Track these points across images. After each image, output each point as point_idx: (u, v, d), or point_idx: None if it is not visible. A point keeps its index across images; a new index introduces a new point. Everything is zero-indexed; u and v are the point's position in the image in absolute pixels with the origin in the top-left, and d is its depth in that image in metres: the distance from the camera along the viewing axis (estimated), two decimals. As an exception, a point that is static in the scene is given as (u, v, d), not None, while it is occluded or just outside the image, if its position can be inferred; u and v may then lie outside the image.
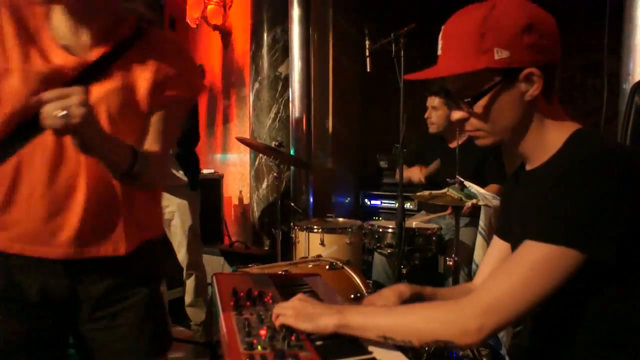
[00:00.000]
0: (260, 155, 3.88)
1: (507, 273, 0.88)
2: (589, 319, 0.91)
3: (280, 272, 1.75)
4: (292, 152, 3.87)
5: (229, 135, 4.79)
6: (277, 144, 2.85)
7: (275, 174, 2.88)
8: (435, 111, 2.86)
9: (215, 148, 5.00)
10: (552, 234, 0.84)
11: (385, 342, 0.91)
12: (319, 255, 2.30)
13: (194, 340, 2.80)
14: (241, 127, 4.62)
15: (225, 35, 4.71)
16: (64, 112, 0.90)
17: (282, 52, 3.92)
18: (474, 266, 2.20)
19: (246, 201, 4.50)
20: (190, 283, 2.76)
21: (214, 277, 1.28)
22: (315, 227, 2.71)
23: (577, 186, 0.83)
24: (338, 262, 2.00)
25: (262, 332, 0.91)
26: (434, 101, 2.88)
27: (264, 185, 3.98)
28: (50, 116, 0.89)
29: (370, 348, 0.91)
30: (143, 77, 1.13)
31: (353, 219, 3.03)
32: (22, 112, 1.02)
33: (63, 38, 1.09)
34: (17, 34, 1.06)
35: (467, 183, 2.21)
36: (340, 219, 3.03)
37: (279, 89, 3.94)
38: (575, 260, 0.83)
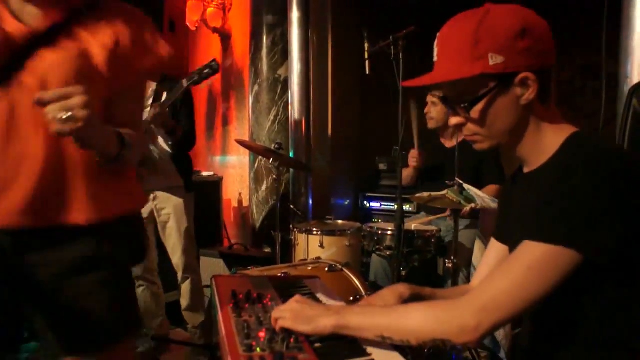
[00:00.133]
0: (260, 157, 3.88)
1: (505, 272, 0.89)
2: (588, 319, 0.92)
3: (279, 275, 1.75)
4: (291, 155, 3.87)
5: (228, 138, 4.80)
6: (276, 146, 2.85)
7: (274, 177, 2.88)
8: (435, 106, 2.86)
9: (214, 150, 5.01)
10: (550, 234, 0.85)
11: (384, 343, 0.91)
12: (318, 258, 2.30)
13: (193, 342, 2.80)
14: (241, 129, 4.63)
15: (225, 37, 4.72)
16: (68, 115, 0.90)
17: (281, 54, 3.93)
18: (472, 269, 2.20)
19: (245, 203, 4.50)
20: (186, 287, 2.74)
21: (213, 280, 1.28)
22: (314, 229, 2.72)
23: (574, 187, 0.84)
24: (337, 265, 2.00)
25: (261, 334, 0.92)
26: (433, 96, 2.88)
27: (264, 187, 3.98)
28: (54, 120, 0.89)
29: (369, 350, 0.92)
30: (98, 46, 1.11)
31: (352, 221, 3.04)
32: None
33: (15, 6, 1.08)
34: None
35: (466, 186, 2.22)
36: (340, 221, 3.03)
37: (279, 91, 3.95)
38: (573, 260, 0.84)
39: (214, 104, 4.96)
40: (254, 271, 1.93)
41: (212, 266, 3.36)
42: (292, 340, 0.89)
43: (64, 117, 0.89)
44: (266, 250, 3.66)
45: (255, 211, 4.05)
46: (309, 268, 2.01)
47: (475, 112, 0.95)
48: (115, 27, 1.14)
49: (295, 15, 3.84)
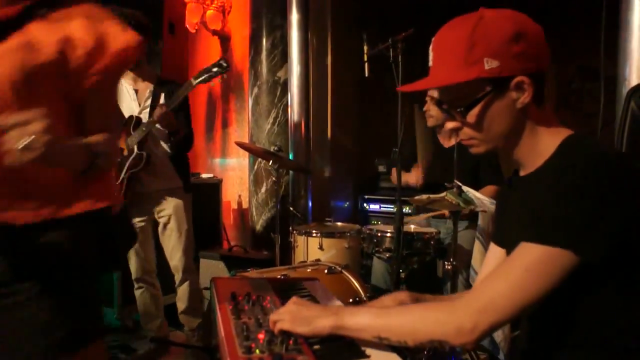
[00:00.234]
0: (259, 159, 3.89)
1: (502, 274, 0.89)
2: (585, 321, 0.92)
3: (278, 277, 1.75)
4: (290, 157, 3.88)
5: (228, 140, 4.80)
6: (276, 148, 2.85)
7: (274, 179, 2.89)
8: (434, 104, 2.86)
9: (214, 152, 5.01)
10: (547, 236, 0.85)
11: (381, 343, 0.92)
12: (318, 260, 2.30)
13: (192, 344, 2.80)
14: (240, 131, 4.63)
15: (224, 40, 4.72)
16: (26, 142, 0.84)
17: (281, 57, 3.94)
18: (471, 271, 2.20)
19: (245, 205, 4.50)
20: (184, 289, 2.73)
21: (212, 281, 1.28)
22: (314, 231, 2.72)
23: (571, 189, 0.85)
24: (337, 267, 2.00)
25: (260, 335, 0.92)
26: (433, 93, 2.88)
27: (263, 189, 3.98)
28: (12, 150, 0.83)
29: (368, 351, 0.92)
30: (51, 43, 1.06)
31: (352, 223, 3.04)
32: None
33: None
34: None
35: (464, 188, 2.22)
36: (339, 223, 3.03)
37: (278, 93, 3.95)
38: (569, 262, 0.84)
39: (213, 106, 4.96)
40: (253, 273, 1.93)
41: (211, 268, 3.37)
42: (291, 342, 0.90)
43: (21, 146, 0.83)
44: (265, 252, 3.65)
45: (254, 213, 4.05)
46: (309, 270, 2.01)
47: (471, 116, 0.96)
48: (72, 25, 1.09)
49: (294, 17, 3.86)
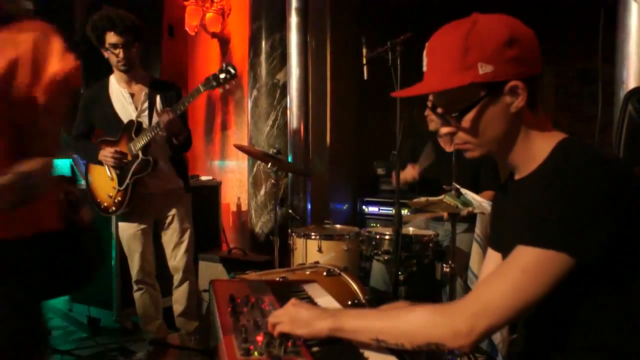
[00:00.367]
0: (258, 162, 3.89)
1: (499, 277, 0.90)
2: (581, 324, 0.93)
3: (277, 279, 1.75)
4: (289, 159, 3.88)
5: (227, 142, 4.81)
6: (275, 151, 2.86)
7: (273, 181, 2.89)
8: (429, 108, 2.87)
9: (213, 155, 5.01)
10: (542, 239, 0.86)
11: (380, 346, 0.92)
12: (317, 262, 2.31)
13: (190, 346, 2.79)
14: (239, 134, 4.64)
15: (224, 42, 4.73)
16: None
17: (280, 59, 3.94)
18: (469, 274, 2.20)
19: (244, 208, 4.50)
20: (182, 290, 2.73)
21: (211, 284, 1.29)
22: (312, 233, 2.72)
23: (565, 192, 0.85)
24: (335, 269, 2.00)
25: (259, 338, 0.92)
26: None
27: (262, 192, 3.99)
28: None
29: (367, 354, 0.92)
30: None
31: (350, 226, 3.04)
32: None
33: None
34: None
35: (463, 190, 2.23)
36: (338, 226, 3.03)
37: (277, 96, 3.96)
38: (565, 265, 0.85)
39: (212, 108, 4.97)
40: (252, 275, 1.93)
41: (210, 270, 3.37)
42: (289, 344, 0.90)
43: None
44: (264, 255, 3.66)
45: (253, 215, 4.05)
46: (307, 272, 2.01)
47: (466, 121, 0.97)
48: (18, 45, 1.09)
49: (293, 20, 3.87)
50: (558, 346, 0.96)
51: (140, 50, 2.59)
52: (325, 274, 1.96)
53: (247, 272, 2.03)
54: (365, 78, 2.48)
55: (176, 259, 2.70)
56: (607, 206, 0.84)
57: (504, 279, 0.88)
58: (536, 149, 0.97)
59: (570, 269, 0.85)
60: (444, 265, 2.40)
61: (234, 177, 4.71)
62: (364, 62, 2.45)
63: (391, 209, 4.00)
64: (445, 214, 2.65)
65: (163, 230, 2.70)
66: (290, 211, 3.62)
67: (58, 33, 1.18)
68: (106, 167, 2.55)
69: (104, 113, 2.59)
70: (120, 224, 2.67)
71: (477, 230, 2.21)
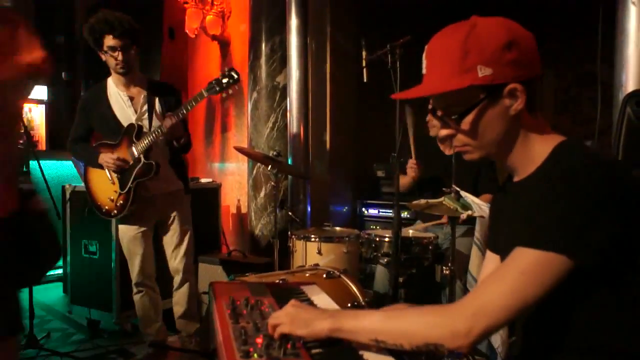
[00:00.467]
0: (258, 164, 3.89)
1: (497, 278, 0.90)
2: (579, 326, 0.93)
3: (277, 281, 1.75)
4: (289, 162, 3.89)
5: (227, 145, 4.81)
6: (274, 153, 2.86)
7: (273, 183, 2.89)
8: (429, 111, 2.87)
9: (213, 157, 5.02)
10: (541, 241, 0.86)
11: (379, 347, 0.92)
12: (317, 264, 2.31)
13: (190, 348, 2.79)
14: (239, 136, 4.64)
15: (224, 45, 4.74)
16: None
17: (280, 62, 3.95)
18: (469, 276, 2.20)
19: (244, 210, 4.51)
20: (183, 292, 2.72)
21: (211, 286, 1.29)
22: (312, 236, 2.72)
23: (564, 194, 0.86)
24: (335, 271, 2.00)
25: (259, 340, 0.93)
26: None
27: (262, 194, 3.99)
28: None
29: (366, 355, 0.93)
30: None
31: (350, 228, 3.04)
32: None
33: None
34: None
35: (463, 193, 2.23)
36: (338, 228, 3.04)
37: (277, 98, 3.97)
38: (564, 267, 0.85)
39: (212, 110, 4.98)
40: (252, 277, 1.93)
41: (210, 272, 3.37)
42: (289, 346, 0.90)
43: None
44: (264, 257, 3.66)
45: (253, 218, 4.06)
46: (307, 275, 2.01)
47: (465, 123, 0.97)
48: None
49: (293, 22, 3.87)
50: (557, 348, 0.96)
51: (138, 53, 2.59)
52: (325, 276, 1.96)
53: (247, 274, 2.02)
54: (365, 80, 2.48)
55: (176, 260, 2.70)
56: (606, 208, 0.84)
57: (503, 280, 0.88)
58: (535, 151, 0.98)
59: (569, 271, 0.85)
60: (444, 267, 2.40)
61: (233, 179, 4.71)
62: (364, 64, 2.45)
63: (391, 211, 4.00)
64: (444, 218, 2.65)
65: (163, 232, 2.70)
66: (290, 213, 3.62)
67: (28, 24, 1.17)
68: (107, 170, 2.55)
69: (102, 116, 2.59)
70: (120, 226, 2.67)
71: (477, 233, 2.21)
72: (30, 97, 2.98)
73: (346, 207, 4.59)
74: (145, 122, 2.56)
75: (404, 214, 3.64)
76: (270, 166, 2.79)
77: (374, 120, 4.69)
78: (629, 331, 0.91)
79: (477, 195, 2.40)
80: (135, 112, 2.58)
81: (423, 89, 1.00)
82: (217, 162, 4.97)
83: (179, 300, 2.75)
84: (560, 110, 4.65)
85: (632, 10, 2.19)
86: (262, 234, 3.99)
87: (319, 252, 2.65)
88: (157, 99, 2.60)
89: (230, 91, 2.40)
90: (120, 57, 2.47)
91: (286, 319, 0.95)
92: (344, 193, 4.57)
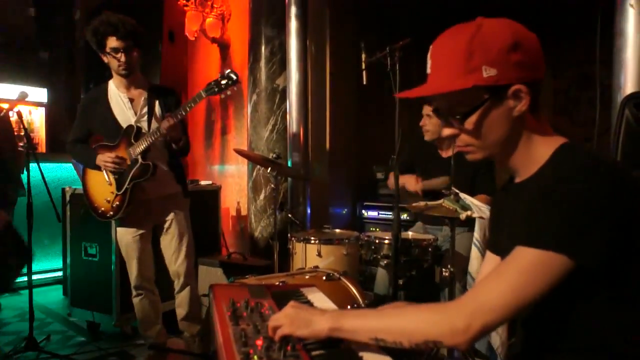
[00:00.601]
0: (258, 166, 3.90)
1: (496, 276, 0.91)
2: (580, 326, 0.93)
3: (277, 283, 1.75)
4: (289, 164, 3.89)
5: (226, 147, 4.82)
6: (274, 155, 2.86)
7: (272, 186, 2.90)
8: (430, 119, 2.88)
9: (213, 159, 5.02)
10: (541, 240, 0.87)
11: (378, 348, 0.93)
12: (316, 266, 2.31)
13: (191, 350, 2.79)
14: (239, 138, 4.65)
15: (224, 47, 4.75)
16: None
17: (279, 64, 3.96)
18: (468, 277, 2.21)
19: (244, 212, 4.51)
20: (184, 295, 2.72)
21: (211, 288, 1.29)
22: (312, 238, 2.73)
23: (565, 195, 0.86)
24: (335, 273, 2.01)
25: (259, 342, 0.93)
26: (428, 109, 2.90)
27: (262, 196, 4.00)
28: None
29: (366, 357, 0.93)
30: None
31: (350, 230, 3.05)
32: None
33: None
34: None
35: (462, 195, 2.23)
36: (337, 230, 3.04)
37: (277, 101, 3.97)
38: (564, 266, 0.85)
39: (212, 113, 4.99)
40: (251, 280, 1.93)
41: (210, 275, 3.37)
42: (289, 347, 0.90)
43: None
44: (264, 259, 3.66)
45: (253, 220, 4.06)
46: (307, 277, 2.02)
47: (469, 123, 0.98)
48: None
49: (293, 25, 3.88)
50: (556, 347, 0.96)
51: (140, 55, 2.60)
52: (324, 278, 1.96)
53: (247, 276, 2.03)
54: (365, 83, 2.48)
55: (176, 264, 2.69)
56: (607, 209, 0.85)
57: (502, 278, 0.89)
58: (537, 152, 0.98)
59: (569, 270, 0.86)
60: (443, 269, 2.40)
61: (233, 181, 4.71)
62: (363, 67, 2.45)
63: (390, 213, 4.01)
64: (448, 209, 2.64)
65: (162, 235, 2.70)
66: (289, 215, 3.63)
67: None
68: (104, 171, 2.56)
69: (102, 118, 2.59)
70: (119, 229, 2.67)
71: (476, 234, 2.22)
72: (30, 99, 2.99)
73: (346, 209, 4.60)
74: (145, 124, 2.56)
75: (404, 216, 3.64)
76: (270, 168, 2.79)
77: (373, 123, 4.70)
78: (628, 331, 0.91)
79: (473, 195, 2.41)
80: (135, 113, 2.58)
81: (427, 88, 1.00)
82: (216, 165, 4.98)
83: (181, 303, 2.75)
84: (559, 111, 4.66)
85: (630, 12, 2.20)
86: (262, 236, 3.99)
87: (319, 254, 2.65)
88: (157, 101, 2.61)
89: (229, 92, 2.39)
90: (122, 59, 2.48)
91: (286, 320, 0.96)
92: (343, 195, 4.58)
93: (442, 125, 1.03)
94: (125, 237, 2.64)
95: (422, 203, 2.41)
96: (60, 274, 4.30)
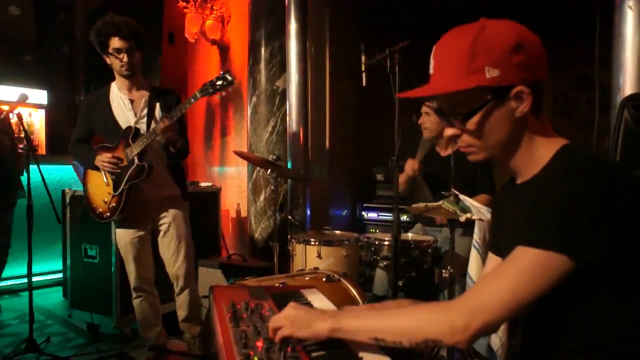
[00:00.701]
0: (258, 168, 3.90)
1: (496, 276, 0.91)
2: (580, 327, 0.93)
3: (277, 285, 1.76)
4: (289, 166, 3.90)
5: (226, 149, 4.82)
6: (274, 157, 2.87)
7: (272, 187, 2.90)
8: (429, 117, 2.88)
9: (213, 161, 5.03)
10: (541, 240, 0.87)
11: (379, 349, 0.93)
12: (316, 268, 2.31)
13: (191, 352, 2.80)
14: (239, 140, 4.65)
15: (223, 49, 4.76)
16: None
17: (279, 66, 3.97)
18: (467, 279, 2.21)
19: (244, 214, 4.51)
20: (184, 298, 2.72)
21: (211, 290, 1.29)
22: (312, 239, 2.73)
23: (566, 195, 0.87)
24: (335, 275, 2.01)
25: (259, 343, 0.93)
26: (427, 109, 2.91)
27: (262, 198, 4.00)
28: None
29: (365, 358, 0.93)
30: None
31: (350, 232, 3.05)
32: None
33: None
34: None
35: (461, 196, 2.24)
36: (337, 232, 3.04)
37: (277, 102, 3.98)
38: (563, 266, 0.86)
39: (212, 115, 4.99)
40: (251, 281, 1.94)
41: (210, 276, 3.37)
42: (289, 349, 0.91)
43: None
44: (264, 261, 3.66)
45: (253, 222, 4.06)
46: (307, 278, 2.02)
47: (471, 124, 0.98)
48: None
49: (293, 27, 3.89)
50: (556, 347, 0.96)
51: (142, 57, 2.61)
52: (324, 279, 1.96)
53: (247, 278, 2.03)
54: (364, 85, 2.49)
55: (175, 266, 2.69)
56: (607, 209, 0.85)
57: (502, 277, 0.89)
58: (538, 153, 0.99)
59: (569, 271, 0.86)
60: (443, 270, 2.40)
61: (233, 183, 4.72)
62: (363, 69, 2.46)
63: (390, 214, 4.01)
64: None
65: (160, 238, 2.70)
66: (289, 217, 3.63)
67: None
68: (103, 172, 2.57)
69: (103, 119, 2.60)
70: (118, 230, 2.67)
71: (476, 236, 2.22)
72: (30, 101, 3.00)
73: (345, 211, 4.60)
74: (144, 125, 2.57)
75: (404, 218, 3.64)
76: (269, 170, 2.79)
77: (373, 124, 4.71)
78: (628, 331, 0.91)
79: (473, 195, 2.41)
80: (135, 115, 2.59)
81: (430, 88, 1.01)
82: (216, 166, 4.98)
83: (181, 305, 2.75)
84: (558, 112, 4.67)
85: (629, 14, 2.21)
86: (262, 237, 3.99)
87: (319, 256, 2.65)
88: (157, 103, 2.61)
89: (224, 93, 2.39)
90: (125, 59, 2.49)
91: (286, 321, 0.96)
92: (343, 196, 4.59)
93: (444, 125, 1.04)
94: (124, 238, 2.64)
95: (421, 204, 2.41)
96: (60, 275, 4.30)
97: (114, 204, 2.54)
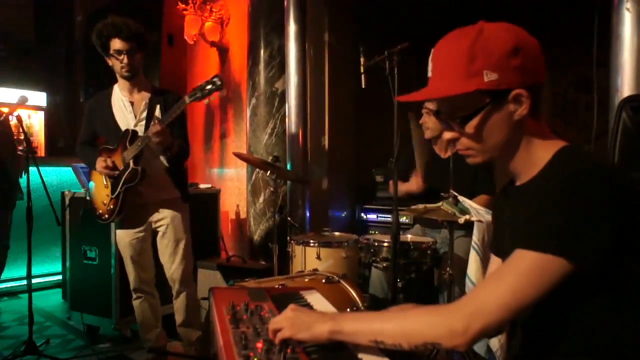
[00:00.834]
0: (257, 170, 3.90)
1: (495, 279, 0.91)
2: (578, 329, 0.94)
3: (276, 286, 1.76)
4: (288, 167, 3.90)
5: (226, 150, 4.83)
6: (273, 159, 2.87)
7: (271, 189, 2.90)
8: (430, 116, 2.88)
9: (212, 163, 5.03)
10: (540, 243, 0.87)
11: (378, 347, 0.93)
12: (316, 269, 2.32)
13: (190, 354, 2.79)
14: (238, 142, 4.66)
15: (223, 51, 4.76)
16: None
17: (278, 68, 3.97)
18: (467, 281, 2.21)
19: (243, 216, 4.51)
20: (181, 301, 2.71)
21: (211, 291, 1.29)
22: (311, 241, 2.73)
23: (565, 198, 0.87)
24: (334, 276, 2.01)
25: (259, 345, 0.93)
26: (430, 106, 2.90)
27: (261, 199, 4.00)
28: None
29: (365, 359, 0.93)
30: None
31: (349, 233, 3.05)
32: None
33: None
34: None
35: (460, 198, 2.24)
36: (337, 233, 3.04)
37: (276, 104, 3.98)
38: (562, 269, 0.86)
39: (211, 116, 4.99)
40: (251, 283, 1.94)
41: (209, 278, 3.37)
42: (289, 350, 0.91)
43: None
44: (263, 262, 3.67)
45: (252, 223, 4.06)
46: (306, 280, 2.02)
47: (469, 127, 0.98)
48: None
49: (292, 29, 3.89)
50: (555, 351, 0.97)
51: (143, 58, 2.62)
52: (324, 281, 1.97)
53: (246, 279, 2.03)
54: (363, 86, 2.49)
55: (171, 270, 2.68)
56: (606, 212, 0.85)
57: (501, 280, 0.90)
58: (537, 156, 0.99)
59: (568, 273, 0.86)
60: (442, 271, 2.41)
61: (232, 185, 4.72)
62: (362, 70, 2.46)
63: (389, 216, 4.01)
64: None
65: (158, 240, 2.70)
66: (289, 219, 3.63)
67: None
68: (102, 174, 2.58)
69: (105, 121, 2.61)
70: (118, 231, 2.68)
71: (475, 237, 2.22)
72: (29, 103, 3.00)
73: (345, 212, 4.60)
74: (142, 128, 2.56)
75: (403, 219, 3.64)
76: (269, 172, 2.80)
77: (372, 126, 4.71)
78: (627, 334, 0.92)
79: (473, 196, 2.41)
80: (135, 117, 2.59)
81: (429, 92, 1.01)
82: (216, 168, 4.98)
83: (178, 309, 2.74)
84: (557, 113, 4.67)
85: (627, 16, 2.21)
86: (261, 239, 3.99)
87: (318, 257, 2.65)
88: (158, 105, 2.61)
89: (213, 97, 2.40)
90: (125, 61, 2.50)
91: (286, 323, 0.96)
92: (342, 198, 4.58)
93: (442, 128, 1.04)
94: (124, 239, 2.64)
95: (421, 206, 2.41)
96: (59, 277, 4.30)
97: (111, 206, 2.55)
